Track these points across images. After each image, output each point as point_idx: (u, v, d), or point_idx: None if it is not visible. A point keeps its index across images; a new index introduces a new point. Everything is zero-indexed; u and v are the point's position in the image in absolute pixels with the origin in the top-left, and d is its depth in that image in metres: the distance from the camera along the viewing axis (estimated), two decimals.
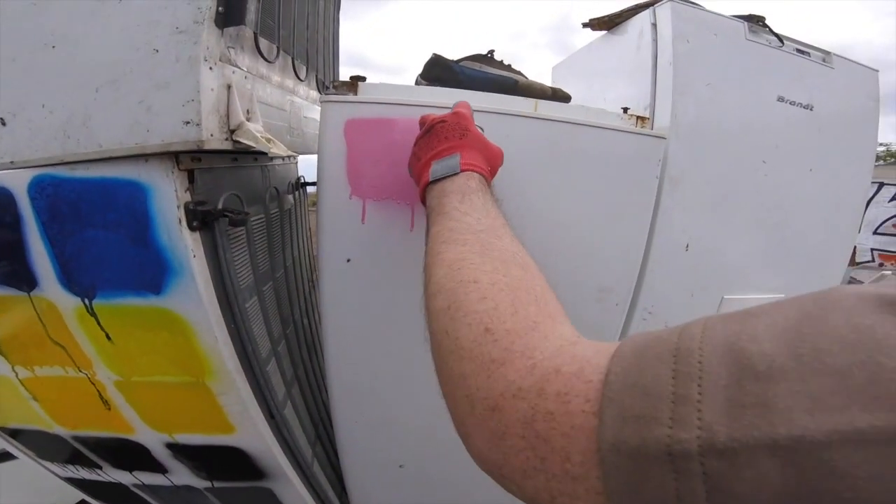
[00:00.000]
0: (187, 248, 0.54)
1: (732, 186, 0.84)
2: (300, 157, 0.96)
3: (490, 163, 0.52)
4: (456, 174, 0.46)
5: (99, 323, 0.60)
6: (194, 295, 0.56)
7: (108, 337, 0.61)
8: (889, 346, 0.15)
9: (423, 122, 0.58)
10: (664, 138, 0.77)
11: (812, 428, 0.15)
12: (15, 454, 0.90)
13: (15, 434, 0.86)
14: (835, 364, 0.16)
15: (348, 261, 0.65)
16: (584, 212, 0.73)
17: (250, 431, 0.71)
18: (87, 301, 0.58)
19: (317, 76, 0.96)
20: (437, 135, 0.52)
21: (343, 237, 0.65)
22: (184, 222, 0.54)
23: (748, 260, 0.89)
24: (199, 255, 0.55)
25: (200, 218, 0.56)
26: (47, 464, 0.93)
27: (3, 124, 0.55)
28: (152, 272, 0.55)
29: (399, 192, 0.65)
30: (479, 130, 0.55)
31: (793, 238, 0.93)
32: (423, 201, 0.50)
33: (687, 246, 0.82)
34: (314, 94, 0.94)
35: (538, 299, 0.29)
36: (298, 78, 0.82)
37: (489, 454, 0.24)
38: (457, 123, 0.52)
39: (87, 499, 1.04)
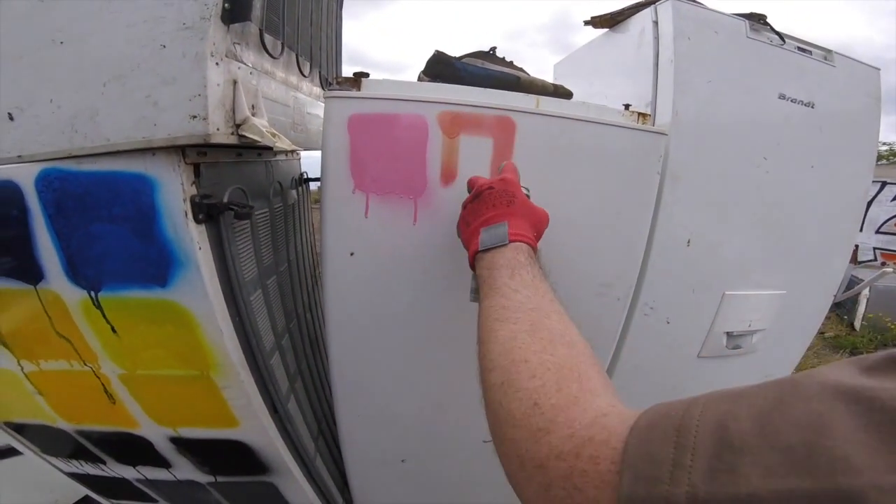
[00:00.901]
0: (193, 240, 0.55)
1: (733, 183, 0.84)
2: (303, 154, 0.97)
3: (536, 228, 0.55)
4: (504, 245, 0.49)
5: (104, 316, 0.60)
6: (200, 288, 0.56)
7: (113, 330, 0.61)
8: (828, 429, 0.20)
9: (471, 185, 0.60)
10: (665, 134, 0.77)
11: (762, 488, 0.20)
12: (20, 449, 0.91)
13: (19, 429, 0.86)
14: (787, 441, 0.21)
15: (352, 254, 0.66)
16: (585, 207, 0.73)
17: (254, 425, 0.72)
18: (92, 294, 0.59)
19: (320, 73, 0.97)
20: (486, 202, 0.54)
21: (346, 231, 0.65)
22: (190, 215, 0.55)
23: (749, 256, 0.89)
24: (205, 248, 0.56)
25: (206, 211, 0.56)
26: (51, 459, 0.93)
27: (11, 119, 0.55)
28: (158, 265, 0.56)
29: (402, 187, 0.66)
30: (526, 193, 0.57)
31: (793, 235, 0.93)
32: (472, 266, 0.53)
33: (688, 242, 0.82)
34: (317, 90, 0.95)
35: (580, 376, 0.34)
36: (302, 74, 0.83)
37: (538, 501, 0.30)
38: (504, 190, 0.54)
39: (91, 494, 1.05)
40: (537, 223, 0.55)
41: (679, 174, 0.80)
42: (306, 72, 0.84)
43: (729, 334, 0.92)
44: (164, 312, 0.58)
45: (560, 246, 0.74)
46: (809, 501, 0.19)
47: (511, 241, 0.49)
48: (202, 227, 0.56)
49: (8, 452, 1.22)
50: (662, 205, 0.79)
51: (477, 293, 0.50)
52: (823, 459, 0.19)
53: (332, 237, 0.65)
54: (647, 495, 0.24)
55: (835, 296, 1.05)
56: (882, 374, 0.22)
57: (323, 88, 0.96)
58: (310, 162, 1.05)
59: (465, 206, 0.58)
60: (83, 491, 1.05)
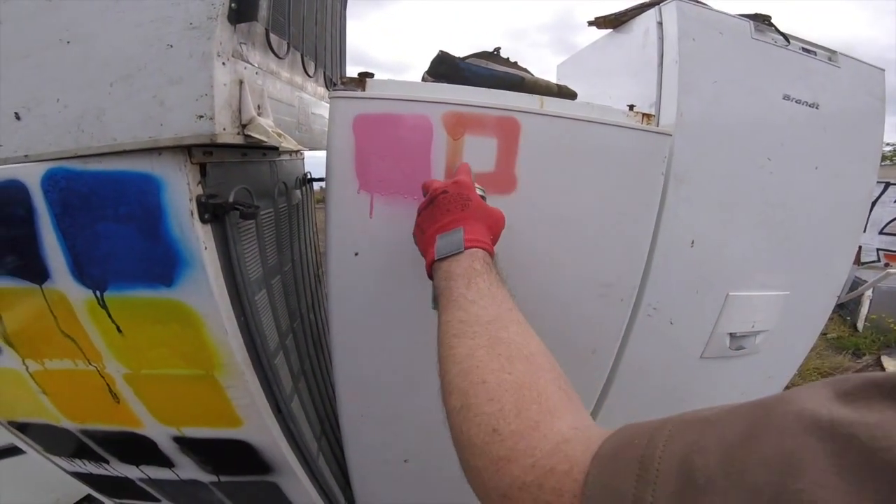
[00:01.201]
0: (199, 240, 0.55)
1: (737, 184, 0.84)
2: (306, 154, 0.97)
3: (492, 230, 0.54)
4: (461, 252, 0.48)
5: (110, 315, 0.60)
6: (205, 287, 0.56)
7: (118, 329, 0.62)
8: (799, 470, 0.19)
9: (425, 189, 0.58)
10: (670, 135, 0.77)
11: None
12: (23, 448, 0.91)
13: (23, 428, 0.87)
14: (753, 482, 0.20)
15: (356, 255, 0.66)
16: (589, 207, 0.73)
17: (258, 425, 0.72)
18: (98, 293, 0.59)
19: (325, 73, 0.97)
20: (440, 206, 0.53)
21: (351, 231, 0.65)
22: (196, 215, 0.55)
23: (753, 257, 0.89)
24: (211, 248, 0.56)
25: (212, 211, 0.56)
26: (54, 458, 0.93)
27: (18, 118, 0.56)
28: (164, 265, 0.56)
29: (406, 187, 0.66)
30: (481, 195, 0.56)
31: (797, 236, 0.93)
32: (430, 276, 0.52)
33: (692, 243, 0.82)
34: (321, 90, 0.95)
35: (540, 395, 0.33)
36: (307, 74, 0.83)
37: None
38: (458, 194, 0.53)
39: (93, 493, 1.05)
40: (493, 225, 0.54)
41: (683, 175, 0.80)
42: (311, 72, 0.85)
43: (732, 335, 0.92)
44: (169, 312, 0.58)
45: (563, 246, 0.74)
46: None
47: (467, 248, 0.48)
48: (208, 227, 0.56)
49: (10, 451, 1.23)
50: (666, 205, 0.79)
51: (436, 302, 0.49)
52: None
53: (337, 237, 0.66)
54: None
55: (838, 297, 1.05)
56: (862, 402, 0.20)
57: (327, 88, 0.96)
58: (313, 161, 1.05)
59: (420, 213, 0.56)
60: (85, 490, 1.05)
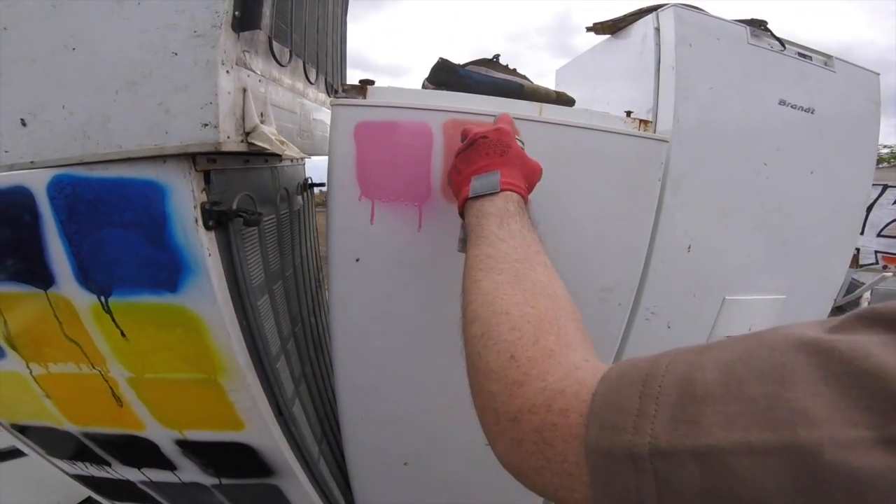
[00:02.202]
0: (203, 247, 0.55)
1: (734, 189, 0.85)
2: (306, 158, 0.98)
3: (528, 179, 0.54)
4: (495, 193, 0.48)
5: (114, 320, 0.61)
6: (209, 293, 0.57)
7: (122, 334, 0.62)
8: (790, 381, 0.20)
9: (465, 134, 0.59)
10: (667, 141, 0.78)
11: (722, 440, 0.20)
12: (24, 451, 0.91)
13: (25, 430, 0.87)
14: (750, 393, 0.21)
15: (357, 260, 0.67)
16: (587, 213, 0.74)
17: (259, 428, 0.72)
18: (103, 298, 0.60)
19: (326, 79, 0.98)
20: (479, 150, 0.53)
21: (352, 237, 0.66)
22: (200, 222, 0.56)
23: (750, 261, 0.90)
24: (214, 254, 0.57)
25: (216, 218, 0.57)
26: (56, 461, 0.94)
27: (24, 125, 0.56)
28: (168, 270, 0.57)
29: (407, 194, 0.66)
30: (520, 145, 0.56)
31: (794, 240, 0.94)
32: (461, 214, 0.52)
33: (689, 247, 0.83)
34: (322, 96, 0.96)
35: (559, 330, 0.34)
36: (309, 81, 0.84)
37: (510, 455, 0.30)
38: (499, 140, 0.53)
39: (94, 496, 1.05)
40: (530, 174, 0.54)
41: (680, 180, 0.81)
42: (312, 78, 0.85)
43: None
44: (173, 317, 0.59)
45: (562, 251, 0.75)
46: (769, 454, 0.19)
47: (502, 190, 0.48)
48: (212, 234, 0.57)
49: (12, 454, 1.23)
50: (663, 210, 0.80)
51: (464, 243, 0.48)
52: (784, 412, 0.20)
53: (339, 243, 0.66)
54: (610, 446, 0.24)
55: (835, 300, 1.06)
56: (846, 331, 0.22)
57: (328, 94, 0.97)
58: (312, 165, 1.06)
59: (457, 154, 0.56)
60: (86, 492, 1.05)
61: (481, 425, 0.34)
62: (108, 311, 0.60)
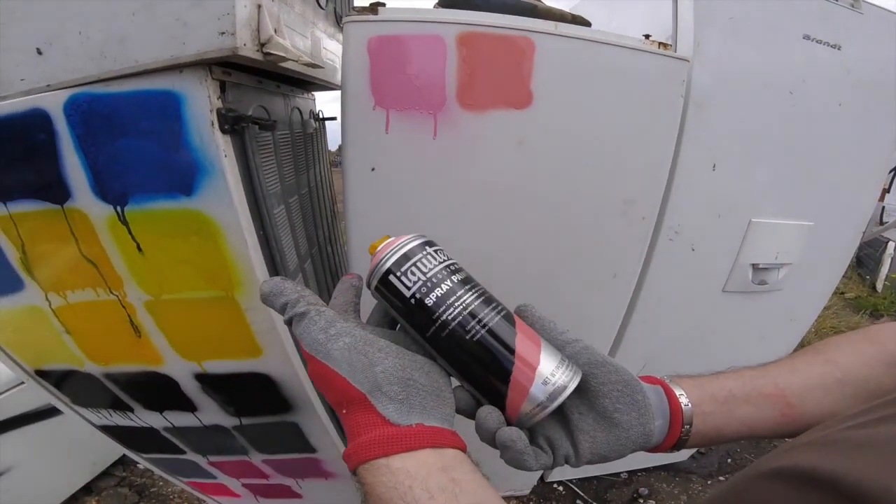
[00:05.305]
0: (219, 148, 0.55)
1: (759, 113, 0.83)
2: (316, 98, 0.97)
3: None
4: None
5: (130, 232, 0.60)
6: (225, 195, 0.56)
7: (139, 248, 0.62)
8: None
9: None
10: (687, 60, 0.76)
11: None
12: (53, 402, 0.92)
13: (48, 376, 0.88)
14: None
15: (373, 170, 0.65)
16: (607, 125, 0.72)
17: (278, 353, 0.72)
18: (119, 208, 0.59)
19: (335, 9, 0.97)
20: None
21: (367, 147, 0.65)
22: (216, 125, 0.55)
23: (776, 184, 0.87)
24: (230, 156, 0.56)
25: (231, 122, 0.56)
26: (82, 410, 0.94)
27: (40, 53, 0.56)
28: (184, 173, 0.56)
29: (422, 103, 0.65)
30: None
31: (821, 168, 0.91)
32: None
33: (714, 166, 0.80)
34: (331, 29, 0.95)
35: None
36: (319, 6, 0.83)
37: None
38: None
39: (123, 449, 1.06)
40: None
41: (703, 101, 0.79)
42: (323, 3, 0.84)
43: (755, 266, 0.90)
44: (189, 224, 0.58)
45: (582, 162, 0.73)
46: None
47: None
48: (227, 138, 0.56)
49: (48, 413, 1.26)
50: (686, 129, 0.78)
51: None
52: None
53: (354, 153, 0.65)
54: None
55: (864, 232, 1.02)
56: None
57: (337, 24, 0.96)
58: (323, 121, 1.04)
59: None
60: (118, 451, 1.07)
61: None
62: (125, 222, 0.60)
